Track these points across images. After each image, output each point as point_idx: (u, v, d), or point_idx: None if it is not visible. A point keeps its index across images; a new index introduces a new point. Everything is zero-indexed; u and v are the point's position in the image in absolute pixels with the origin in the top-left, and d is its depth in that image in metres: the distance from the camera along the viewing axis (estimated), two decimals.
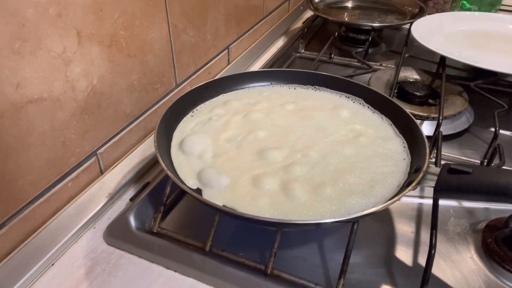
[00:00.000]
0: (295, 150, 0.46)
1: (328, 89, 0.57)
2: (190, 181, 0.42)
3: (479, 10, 0.99)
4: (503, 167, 0.51)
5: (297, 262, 0.42)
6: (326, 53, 0.83)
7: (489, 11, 0.99)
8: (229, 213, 0.37)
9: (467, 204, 0.49)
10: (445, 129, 0.58)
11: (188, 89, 0.54)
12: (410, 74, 0.72)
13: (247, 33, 0.83)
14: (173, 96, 0.63)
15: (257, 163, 0.44)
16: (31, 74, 0.39)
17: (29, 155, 0.41)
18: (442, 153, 0.53)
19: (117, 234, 0.44)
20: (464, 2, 1.00)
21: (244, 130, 0.50)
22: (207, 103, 0.55)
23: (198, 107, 0.54)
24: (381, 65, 0.81)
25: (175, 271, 0.41)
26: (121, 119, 0.54)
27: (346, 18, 0.97)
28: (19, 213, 0.42)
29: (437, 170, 0.39)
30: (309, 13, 1.09)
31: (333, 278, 0.38)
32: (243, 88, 0.59)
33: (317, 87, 0.58)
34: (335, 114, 0.52)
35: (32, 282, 0.40)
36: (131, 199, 0.49)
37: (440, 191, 0.41)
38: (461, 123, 0.62)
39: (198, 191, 0.41)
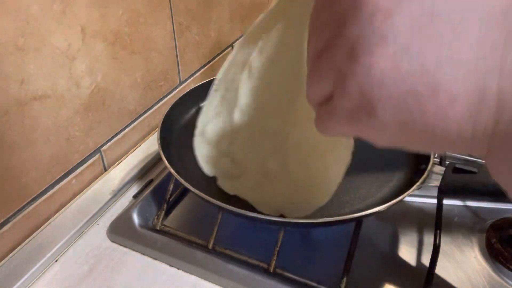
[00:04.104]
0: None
1: None
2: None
3: None
4: None
5: (300, 261, 0.42)
6: None
7: None
8: (232, 211, 0.37)
9: (472, 203, 0.49)
10: None
11: (192, 86, 0.54)
12: None
13: None
14: (177, 94, 0.63)
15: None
16: (36, 71, 0.39)
17: (33, 152, 0.41)
18: (447, 152, 0.52)
19: (121, 231, 0.44)
20: None
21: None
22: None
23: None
24: None
25: (178, 269, 0.41)
26: (125, 116, 0.54)
27: None
28: (23, 210, 0.42)
29: (441, 169, 0.39)
30: None
31: (336, 277, 0.38)
32: None
33: None
34: None
35: (36, 278, 0.40)
36: (135, 196, 0.49)
37: (445, 190, 0.41)
38: None
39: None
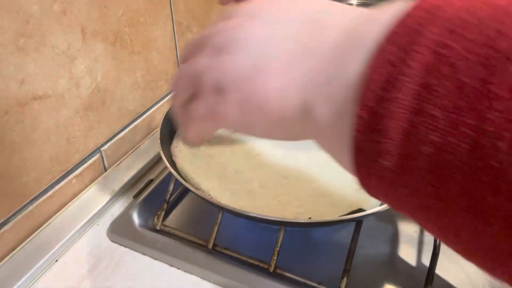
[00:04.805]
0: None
1: None
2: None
3: None
4: None
5: (300, 261, 0.42)
6: None
7: None
8: (232, 211, 0.37)
9: None
10: None
11: None
12: None
13: None
14: None
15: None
16: (36, 71, 0.39)
17: (34, 152, 0.41)
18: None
19: (121, 231, 0.44)
20: None
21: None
22: None
23: None
24: None
25: (178, 269, 0.41)
26: (125, 116, 0.54)
27: None
28: (24, 210, 0.42)
29: None
30: None
31: (336, 277, 0.38)
32: None
33: None
34: None
35: (36, 278, 0.40)
36: (135, 196, 0.49)
37: None
38: None
39: None
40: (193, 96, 0.23)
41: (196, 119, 0.24)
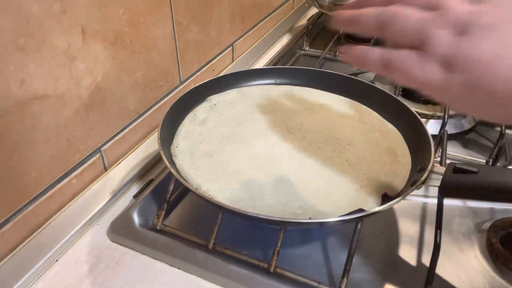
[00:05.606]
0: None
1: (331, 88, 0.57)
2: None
3: None
4: (509, 167, 0.51)
5: (300, 261, 0.42)
6: (331, 50, 0.83)
7: None
8: (232, 211, 0.37)
9: (472, 204, 0.49)
10: (450, 128, 0.58)
11: (192, 86, 0.54)
12: None
13: (252, 30, 0.83)
14: (177, 93, 0.63)
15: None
16: (36, 71, 0.39)
17: (34, 152, 0.41)
18: (447, 152, 0.52)
19: (121, 231, 0.44)
20: None
21: (240, 129, 0.49)
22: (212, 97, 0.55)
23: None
24: None
25: (178, 268, 0.41)
26: (125, 116, 0.54)
27: None
28: (24, 209, 0.42)
29: (442, 169, 0.39)
30: (313, 10, 1.08)
31: (336, 277, 0.38)
32: (247, 86, 0.58)
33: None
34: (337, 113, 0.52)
35: (36, 278, 0.40)
36: (135, 196, 0.49)
37: (445, 190, 0.40)
38: (467, 122, 0.61)
39: None
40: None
41: (401, 71, 0.25)
